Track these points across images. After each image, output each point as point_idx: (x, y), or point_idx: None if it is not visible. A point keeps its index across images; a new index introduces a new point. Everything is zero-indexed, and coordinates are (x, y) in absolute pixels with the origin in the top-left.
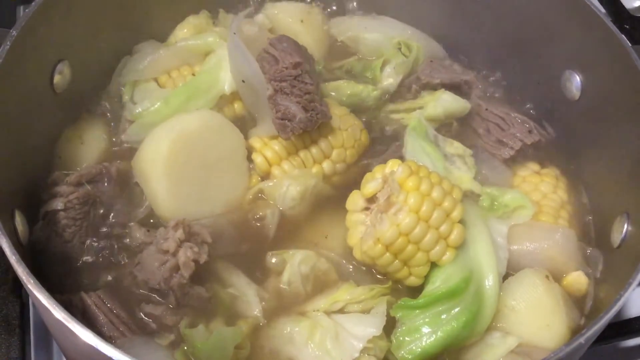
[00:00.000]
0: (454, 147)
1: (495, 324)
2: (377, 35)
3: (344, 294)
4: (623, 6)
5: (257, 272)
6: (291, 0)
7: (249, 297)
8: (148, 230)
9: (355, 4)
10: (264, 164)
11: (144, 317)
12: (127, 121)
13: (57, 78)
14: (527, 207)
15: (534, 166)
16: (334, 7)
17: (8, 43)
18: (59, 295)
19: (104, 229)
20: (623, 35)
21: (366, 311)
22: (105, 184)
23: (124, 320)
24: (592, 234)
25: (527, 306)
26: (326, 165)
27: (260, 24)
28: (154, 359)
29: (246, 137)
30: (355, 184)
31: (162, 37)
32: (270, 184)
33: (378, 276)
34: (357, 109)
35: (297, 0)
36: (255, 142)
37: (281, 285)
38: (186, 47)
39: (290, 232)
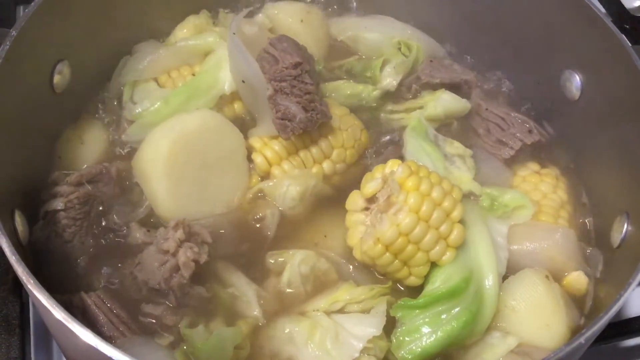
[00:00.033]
0: (454, 147)
1: (495, 324)
2: (377, 34)
3: (344, 294)
4: (623, 6)
5: (257, 272)
6: (291, 0)
7: (248, 297)
8: (148, 230)
9: (355, 3)
10: (264, 164)
11: (144, 317)
12: (127, 121)
13: (56, 78)
14: (527, 207)
15: (534, 166)
16: (334, 7)
17: (8, 43)
18: (59, 295)
19: (104, 229)
20: (623, 35)
21: (366, 311)
22: (106, 184)
23: (124, 320)
24: (592, 234)
25: (527, 306)
26: (326, 165)
27: (260, 24)
28: (154, 359)
29: (246, 137)
30: (355, 184)
31: (162, 37)
32: (270, 184)
33: (378, 276)
34: (357, 109)
35: (297, 0)
36: (255, 142)
37: (281, 286)
38: (186, 47)
39: (290, 232)
